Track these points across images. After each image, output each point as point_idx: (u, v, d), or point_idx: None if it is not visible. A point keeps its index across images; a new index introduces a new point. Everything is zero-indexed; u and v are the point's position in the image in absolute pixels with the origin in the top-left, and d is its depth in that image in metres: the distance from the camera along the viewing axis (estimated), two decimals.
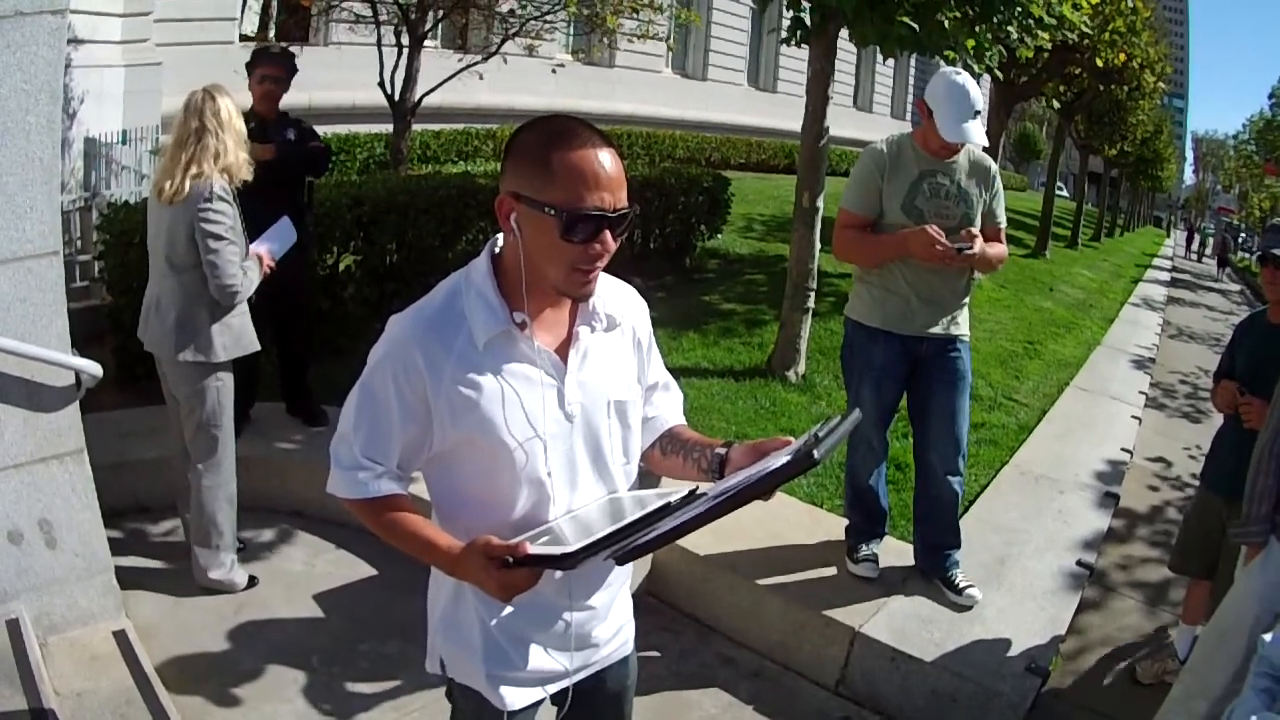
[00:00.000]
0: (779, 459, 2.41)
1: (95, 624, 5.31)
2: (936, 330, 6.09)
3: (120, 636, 5.27)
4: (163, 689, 4.95)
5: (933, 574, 6.44)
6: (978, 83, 5.99)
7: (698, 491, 2.60)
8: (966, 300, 6.26)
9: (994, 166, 6.26)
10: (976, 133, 5.82)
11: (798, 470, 2.37)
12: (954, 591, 6.29)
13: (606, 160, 2.52)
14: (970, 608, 6.24)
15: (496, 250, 2.73)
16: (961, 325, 6.22)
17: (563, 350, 2.74)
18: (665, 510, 2.50)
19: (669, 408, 3.19)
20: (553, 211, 2.46)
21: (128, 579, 5.84)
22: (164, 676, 5.12)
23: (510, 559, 2.43)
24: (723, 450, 2.88)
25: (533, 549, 2.44)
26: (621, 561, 2.49)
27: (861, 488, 6.48)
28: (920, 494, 6.46)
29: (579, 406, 2.75)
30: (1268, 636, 3.27)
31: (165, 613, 5.94)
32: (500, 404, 2.62)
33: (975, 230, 5.93)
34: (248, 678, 5.42)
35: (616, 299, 2.90)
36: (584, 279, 2.59)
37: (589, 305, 2.76)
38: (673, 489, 2.63)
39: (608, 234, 2.53)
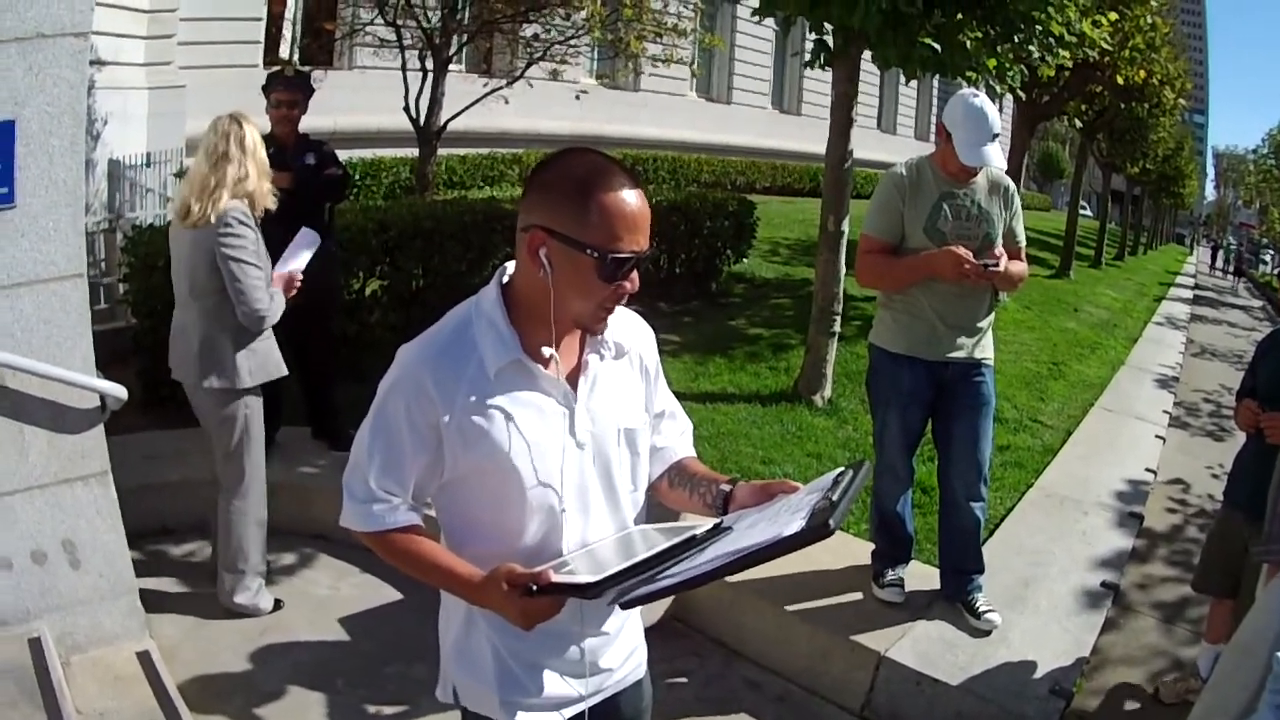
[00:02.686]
0: (794, 523, 2.39)
1: (119, 644, 5.31)
2: (961, 355, 6.08)
3: (144, 657, 5.27)
4: (185, 709, 4.95)
5: (955, 598, 6.41)
6: (1000, 103, 5.98)
7: (722, 525, 2.62)
8: (990, 324, 6.25)
9: (1012, 185, 6.25)
10: (995, 156, 5.83)
11: (812, 539, 2.35)
12: (974, 616, 6.27)
13: (639, 202, 2.56)
14: (989, 633, 6.22)
15: (505, 280, 2.75)
16: (986, 349, 6.21)
17: (572, 378, 2.75)
18: (691, 543, 2.52)
19: (678, 439, 3.20)
20: (593, 254, 2.50)
21: (152, 600, 5.85)
22: (187, 697, 5.11)
23: (533, 587, 2.44)
24: (727, 487, 2.89)
25: (556, 577, 2.44)
26: (626, 607, 2.50)
27: (888, 513, 6.46)
28: (943, 519, 6.44)
29: (590, 434, 2.76)
30: None
31: (189, 634, 5.94)
32: (511, 432, 2.63)
33: (999, 250, 5.92)
34: (271, 699, 5.43)
35: (624, 327, 2.91)
36: (607, 315, 2.65)
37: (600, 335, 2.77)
38: (690, 524, 2.65)
39: (635, 274, 2.59)
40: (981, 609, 6.29)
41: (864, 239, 6.15)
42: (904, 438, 6.27)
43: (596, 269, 2.51)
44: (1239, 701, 4.29)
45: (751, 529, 2.55)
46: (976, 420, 6.16)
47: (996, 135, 5.83)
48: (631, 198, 2.54)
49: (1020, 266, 6.17)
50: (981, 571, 6.40)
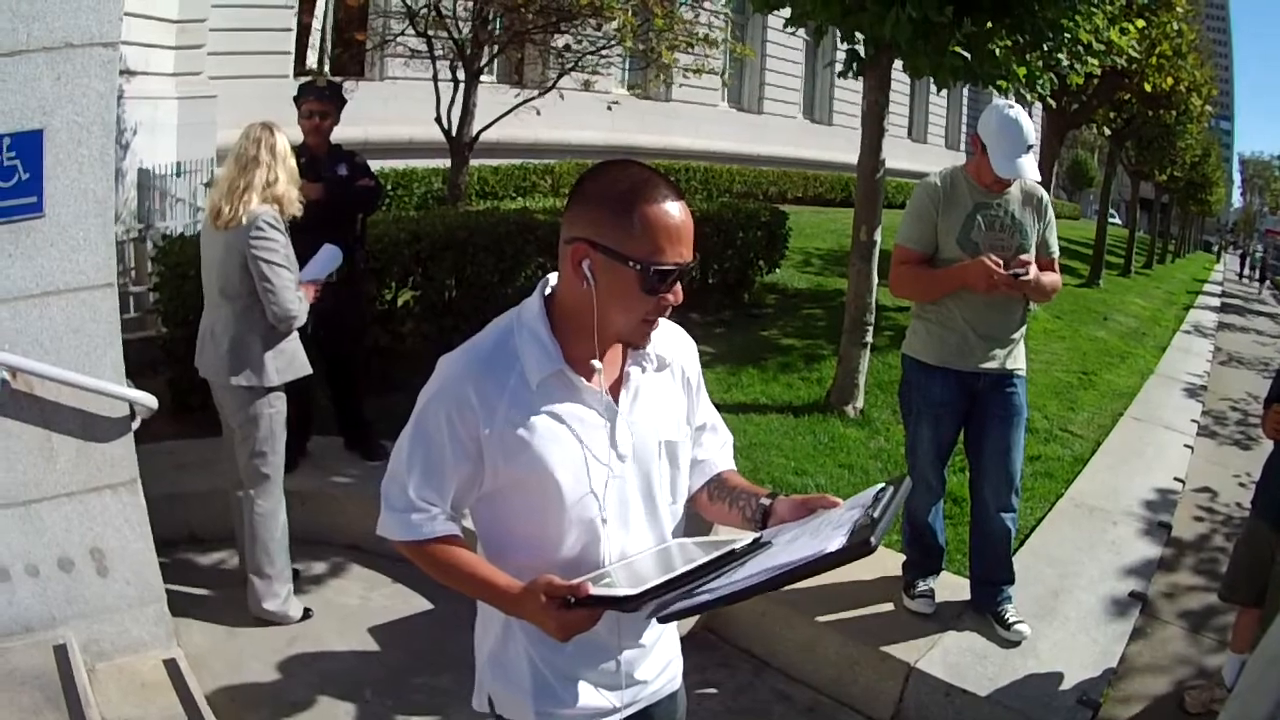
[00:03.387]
0: (835, 539, 2.38)
1: (146, 652, 5.33)
2: (993, 365, 6.06)
3: (170, 665, 5.29)
4: (212, 717, 4.97)
5: (984, 609, 6.40)
6: (1029, 111, 5.96)
7: (761, 540, 2.61)
8: (1023, 334, 6.24)
9: (1046, 196, 6.23)
10: (1030, 168, 5.81)
11: (854, 557, 2.34)
12: (1003, 627, 6.25)
13: (682, 214, 2.56)
14: (1018, 644, 6.21)
15: (547, 291, 2.74)
16: (1018, 360, 6.19)
17: (614, 390, 2.75)
18: (730, 557, 2.52)
19: (719, 451, 3.18)
20: (636, 265, 2.50)
21: (180, 608, 5.88)
22: (214, 705, 5.14)
23: (571, 599, 2.43)
24: (767, 501, 2.88)
25: (594, 590, 2.43)
26: (664, 621, 2.49)
27: (919, 524, 6.45)
28: (974, 529, 6.42)
29: (630, 447, 2.75)
30: None
31: (217, 642, 5.96)
32: (553, 444, 2.63)
33: (1029, 258, 5.90)
34: (298, 709, 5.44)
35: (666, 339, 2.90)
36: (650, 328, 2.64)
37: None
38: (729, 538, 2.64)
39: (679, 286, 2.58)
40: (1011, 620, 6.27)
41: (898, 249, 6.14)
42: (936, 449, 6.26)
43: (639, 281, 2.51)
44: (1264, 711, 4.28)
45: (791, 544, 2.54)
46: (1008, 431, 6.15)
47: (1031, 147, 5.83)
48: (674, 210, 2.54)
49: (1053, 277, 6.15)
50: (1011, 582, 6.38)
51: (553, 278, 2.75)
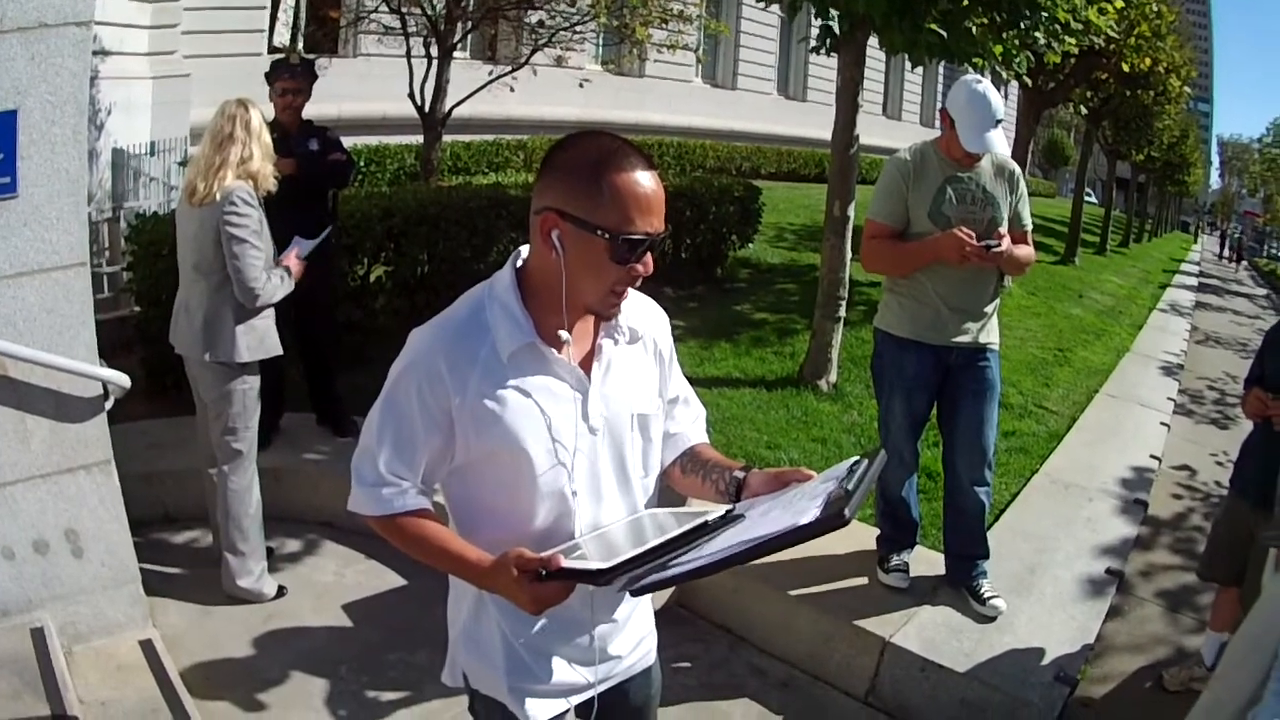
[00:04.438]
0: (809, 511, 2.38)
1: (122, 633, 5.32)
2: (966, 339, 6.07)
3: (146, 645, 5.29)
4: (189, 697, 4.97)
5: (960, 583, 6.43)
6: (1005, 90, 5.96)
7: (734, 512, 2.61)
8: (995, 308, 6.25)
9: (1018, 169, 6.24)
10: (999, 142, 5.83)
11: (827, 529, 2.34)
12: (979, 601, 6.29)
13: (652, 183, 2.55)
14: (993, 619, 6.24)
15: (520, 263, 2.74)
16: (991, 334, 6.21)
17: (586, 363, 2.75)
18: (703, 529, 2.51)
19: (691, 425, 3.19)
20: (605, 235, 2.49)
21: (155, 588, 5.87)
22: (190, 685, 5.14)
23: (543, 572, 2.42)
24: (741, 474, 2.88)
25: (566, 563, 2.42)
26: (636, 594, 2.48)
27: (893, 499, 6.46)
28: (948, 503, 6.45)
29: (603, 420, 2.76)
30: None
31: (193, 622, 5.96)
32: (524, 417, 2.63)
33: (1003, 231, 5.92)
34: (275, 686, 5.45)
35: (638, 312, 2.90)
36: (618, 299, 2.63)
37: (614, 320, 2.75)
38: (701, 510, 2.64)
39: (649, 257, 2.57)
40: (986, 594, 6.30)
41: (869, 224, 6.15)
42: (909, 422, 6.27)
43: (609, 251, 2.51)
44: (1247, 691, 4.30)
45: (765, 516, 2.54)
46: (981, 405, 6.17)
47: (1000, 121, 5.82)
48: (644, 179, 2.53)
49: (1026, 250, 6.16)
50: (986, 556, 6.42)
51: (525, 250, 2.74)
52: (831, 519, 2.32)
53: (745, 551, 2.38)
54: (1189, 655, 6.61)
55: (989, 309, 6.17)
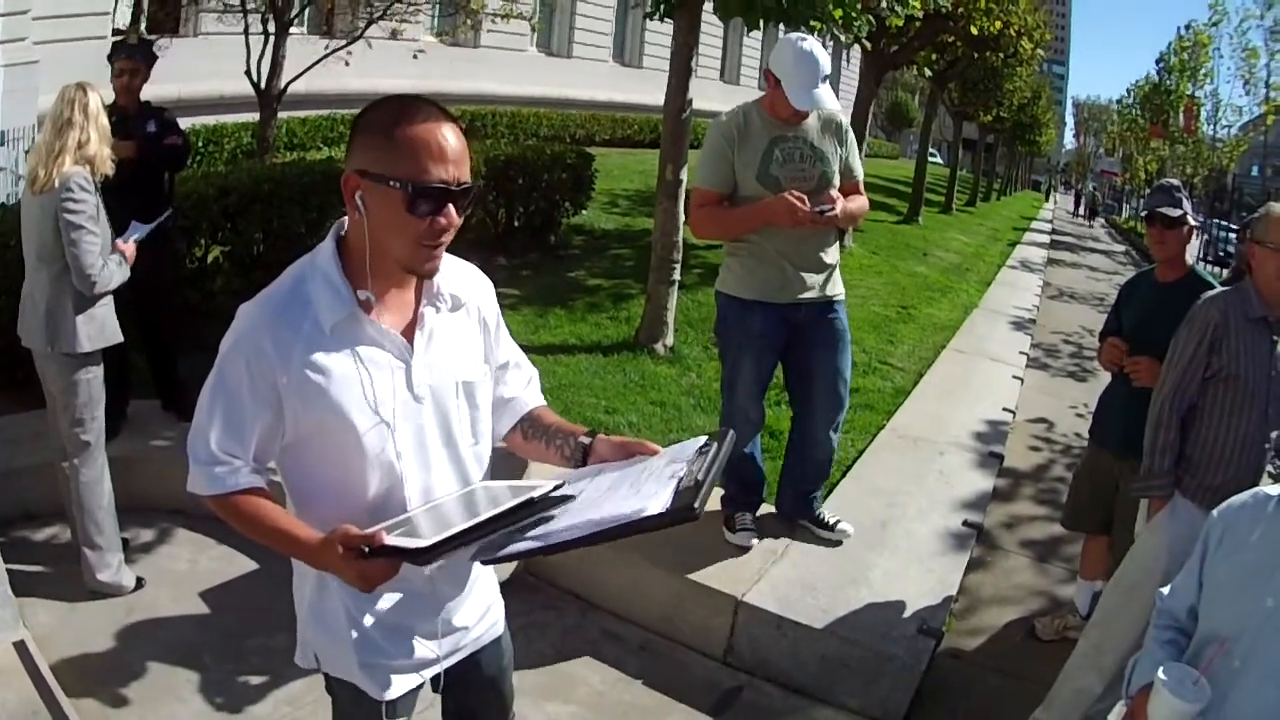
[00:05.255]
0: (659, 497, 2.42)
1: None
2: (813, 295, 6.15)
3: (20, 647, 5.20)
4: (64, 698, 4.91)
5: (801, 516, 6.62)
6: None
7: (562, 487, 2.65)
8: (837, 259, 6.34)
9: (845, 121, 6.29)
10: (828, 98, 5.85)
11: (677, 521, 2.37)
12: (826, 528, 6.51)
13: (450, 135, 2.56)
14: (840, 543, 6.48)
15: (342, 233, 2.75)
16: (837, 285, 6.30)
17: (409, 332, 2.75)
18: (529, 505, 2.53)
19: (525, 389, 3.21)
20: (398, 185, 2.50)
21: (21, 587, 5.79)
22: (63, 683, 5.07)
23: (367, 549, 2.43)
24: (587, 440, 2.93)
25: (389, 540, 2.42)
26: (486, 564, 2.53)
27: (738, 458, 6.46)
28: (797, 451, 6.57)
29: (427, 388, 2.77)
30: (1165, 590, 3.36)
31: (60, 619, 5.90)
32: (348, 388, 2.64)
33: (835, 193, 6.00)
34: (143, 679, 5.41)
35: (460, 279, 2.92)
36: (429, 254, 2.62)
37: (433, 286, 2.78)
38: (534, 484, 2.67)
39: (452, 208, 2.57)
40: (830, 520, 6.52)
41: (697, 192, 6.19)
42: (757, 382, 6.32)
43: (405, 201, 2.51)
44: (1129, 638, 4.44)
45: (608, 494, 2.58)
46: (835, 356, 6.28)
47: (827, 77, 5.87)
48: (439, 128, 2.55)
49: (860, 201, 6.27)
50: (821, 489, 6.64)
51: (346, 220, 2.75)
52: (681, 511, 2.36)
53: (592, 535, 2.41)
54: (1061, 605, 6.78)
55: (831, 260, 6.26)
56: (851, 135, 6.33)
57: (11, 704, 4.81)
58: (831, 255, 6.27)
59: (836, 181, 6.09)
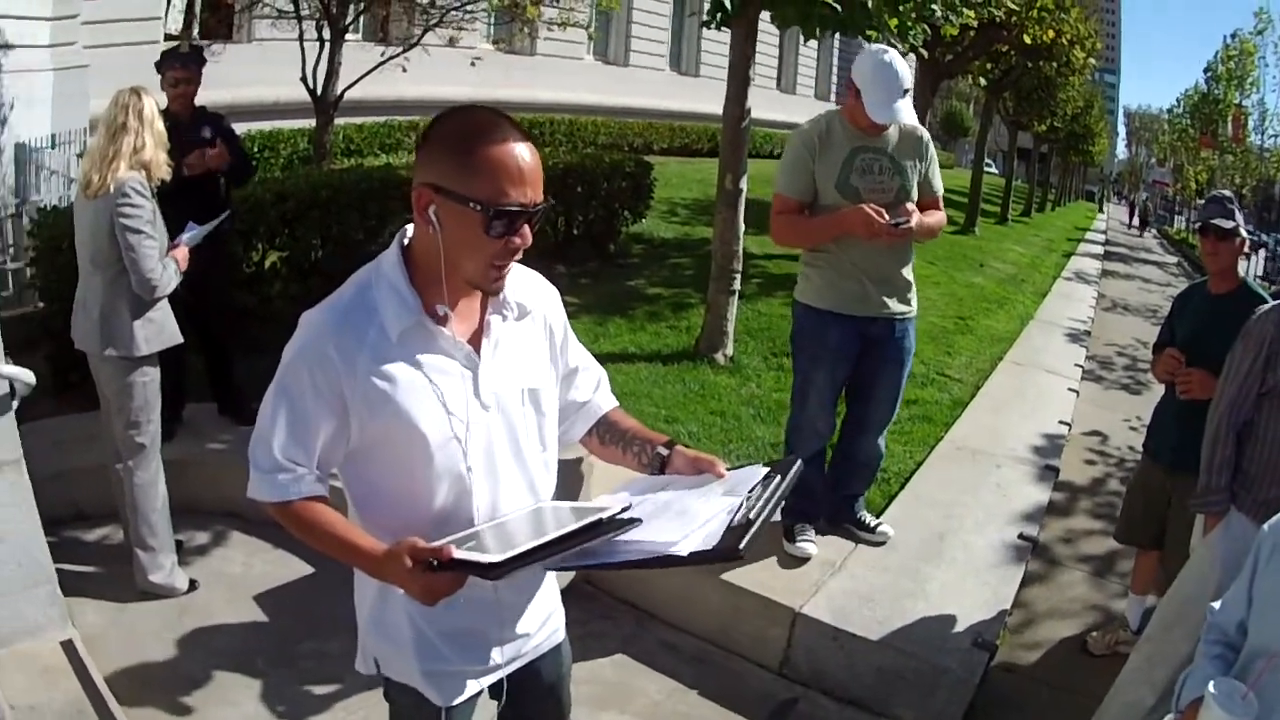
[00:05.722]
0: (709, 528, 2.44)
1: (43, 635, 5.25)
2: (888, 311, 6.15)
3: (68, 647, 5.22)
4: (113, 700, 4.92)
5: (842, 520, 6.65)
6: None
7: (630, 510, 2.63)
8: (912, 273, 6.33)
9: (926, 135, 6.28)
10: (906, 112, 5.83)
11: (719, 559, 2.40)
12: (868, 530, 6.57)
13: (527, 154, 2.54)
14: (883, 543, 6.53)
15: (406, 242, 2.75)
16: (911, 303, 6.30)
17: (475, 340, 2.75)
18: (596, 526, 2.53)
19: (598, 391, 3.21)
20: (477, 207, 2.49)
21: (71, 587, 5.78)
22: (113, 686, 5.08)
23: (435, 562, 2.42)
24: (665, 451, 2.93)
25: (458, 554, 2.41)
26: (548, 568, 2.53)
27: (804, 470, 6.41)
28: (845, 455, 6.60)
29: (494, 396, 2.76)
30: (1216, 604, 3.33)
31: (110, 620, 5.92)
32: (415, 395, 2.63)
33: (912, 206, 5.97)
34: (195, 684, 5.41)
35: (526, 287, 2.91)
36: (499, 273, 2.62)
37: (499, 295, 2.76)
38: (602, 505, 2.67)
39: (526, 228, 2.56)
40: (873, 522, 6.56)
41: (776, 198, 6.17)
42: (830, 393, 6.32)
43: (482, 223, 2.51)
44: (1182, 652, 4.39)
45: (664, 520, 2.57)
46: (899, 373, 6.33)
47: (907, 91, 5.85)
48: (518, 149, 2.53)
49: (938, 216, 6.24)
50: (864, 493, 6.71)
51: (411, 229, 2.75)
52: (725, 551, 2.37)
53: (644, 562, 2.45)
54: (1115, 619, 6.73)
55: (908, 274, 6.25)
56: (932, 150, 6.32)
57: (58, 703, 4.84)
58: (909, 271, 6.26)
59: (915, 195, 6.07)
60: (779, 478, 2.63)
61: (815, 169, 5.99)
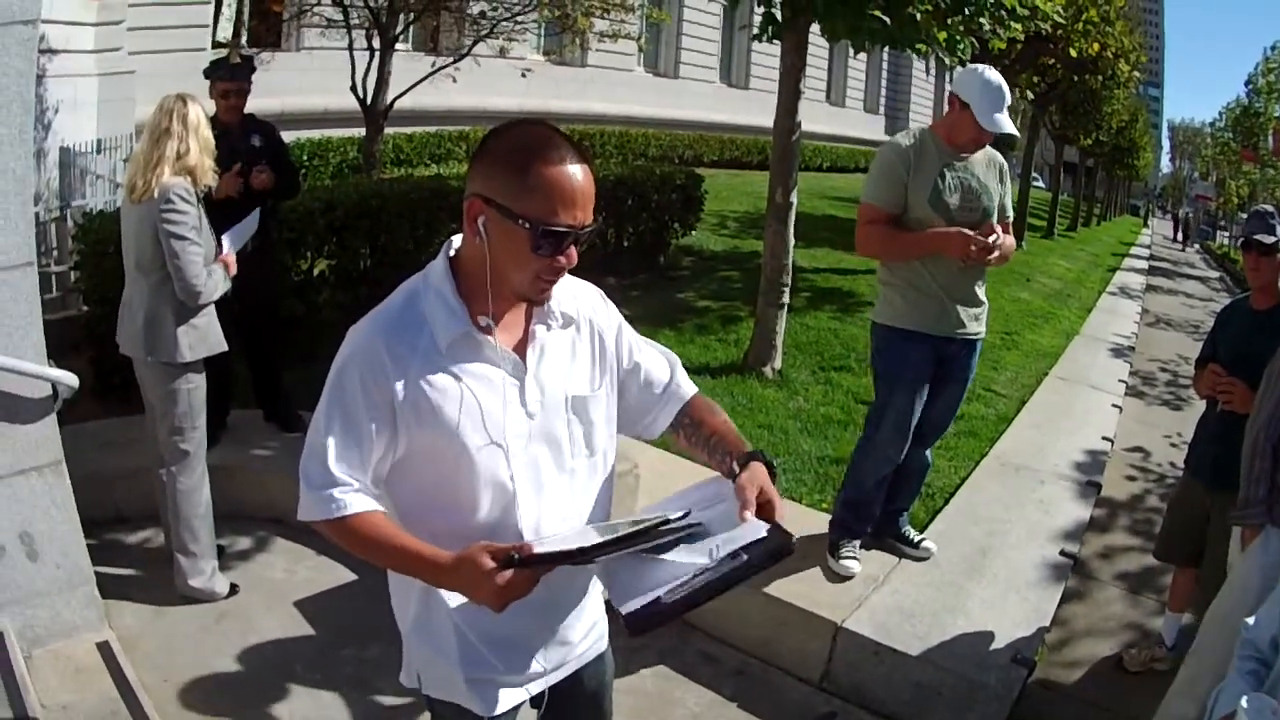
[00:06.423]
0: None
1: (79, 636, 5.28)
2: (964, 331, 6.18)
3: (104, 648, 5.25)
4: (148, 701, 4.94)
5: (886, 534, 6.65)
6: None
7: (689, 515, 2.68)
8: (985, 296, 6.37)
9: (1004, 162, 6.36)
10: (1007, 122, 5.91)
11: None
12: (912, 546, 6.57)
13: (580, 176, 2.53)
14: (927, 559, 6.53)
15: (452, 252, 2.74)
16: (984, 323, 6.34)
17: (520, 349, 2.74)
18: (665, 524, 2.57)
19: (674, 377, 3.19)
20: (526, 224, 2.48)
21: (110, 589, 5.83)
22: (148, 687, 5.11)
23: (516, 555, 2.40)
24: (737, 468, 2.84)
25: (539, 548, 2.43)
26: (639, 627, 2.50)
27: (866, 491, 6.46)
28: (898, 466, 6.49)
29: (539, 404, 2.75)
30: (1250, 620, 3.30)
31: (147, 623, 5.92)
32: (464, 405, 2.62)
33: (997, 225, 6.01)
34: (231, 688, 5.43)
35: (571, 296, 2.90)
36: (545, 286, 2.62)
37: (545, 305, 2.75)
38: (669, 511, 2.69)
39: (573, 250, 2.55)
40: (916, 538, 6.57)
41: (866, 208, 6.16)
42: (910, 418, 6.28)
43: (530, 241, 2.50)
44: (1223, 667, 4.35)
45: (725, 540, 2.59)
46: (960, 391, 6.43)
47: (1009, 105, 5.95)
48: (572, 170, 2.52)
49: (1011, 240, 6.26)
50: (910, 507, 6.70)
51: (457, 239, 2.75)
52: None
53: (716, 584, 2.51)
54: (1150, 636, 6.69)
55: (984, 297, 6.31)
56: (1009, 176, 6.36)
57: (92, 703, 4.87)
58: (983, 291, 6.28)
59: (995, 216, 6.10)
60: (745, 557, 2.57)
61: (909, 182, 6.00)
